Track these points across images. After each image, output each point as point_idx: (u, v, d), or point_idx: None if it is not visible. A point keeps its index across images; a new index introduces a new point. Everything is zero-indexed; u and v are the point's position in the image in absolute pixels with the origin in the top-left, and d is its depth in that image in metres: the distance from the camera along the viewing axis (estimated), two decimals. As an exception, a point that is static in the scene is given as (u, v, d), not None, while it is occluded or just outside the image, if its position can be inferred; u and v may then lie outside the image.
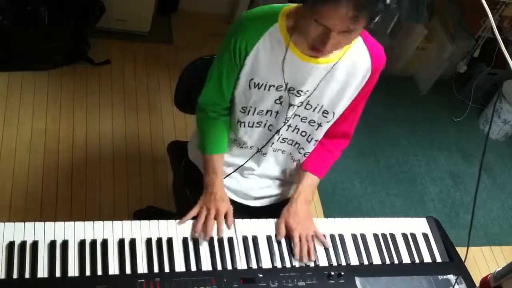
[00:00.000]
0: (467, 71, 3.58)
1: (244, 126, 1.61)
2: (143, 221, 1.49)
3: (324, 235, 1.59)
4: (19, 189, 2.41)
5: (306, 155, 1.69)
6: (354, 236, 1.63)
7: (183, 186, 1.88)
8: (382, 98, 3.50)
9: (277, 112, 1.56)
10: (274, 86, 1.49)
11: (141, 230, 1.47)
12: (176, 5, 3.40)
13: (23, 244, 1.36)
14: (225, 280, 1.42)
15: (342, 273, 1.51)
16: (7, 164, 2.48)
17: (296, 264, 1.52)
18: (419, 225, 1.73)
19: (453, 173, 3.27)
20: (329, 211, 2.76)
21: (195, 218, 1.54)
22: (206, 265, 1.45)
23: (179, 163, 1.92)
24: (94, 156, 2.62)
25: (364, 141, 3.24)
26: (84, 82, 2.91)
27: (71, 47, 2.88)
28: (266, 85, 1.49)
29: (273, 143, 1.64)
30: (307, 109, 1.55)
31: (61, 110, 2.75)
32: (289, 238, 1.57)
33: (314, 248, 1.56)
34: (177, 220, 1.52)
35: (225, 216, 1.56)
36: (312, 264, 1.53)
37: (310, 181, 1.67)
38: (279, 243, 1.55)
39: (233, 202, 1.74)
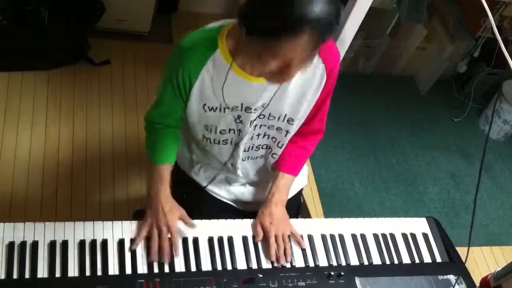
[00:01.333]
0: (467, 71, 3.58)
1: (211, 143, 1.57)
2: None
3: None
4: (19, 189, 2.41)
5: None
6: (354, 236, 1.63)
7: (179, 191, 1.87)
8: (382, 98, 3.50)
9: (239, 130, 1.52)
10: (229, 108, 1.45)
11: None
12: (176, 5, 3.40)
13: (23, 244, 1.36)
14: (225, 280, 1.42)
15: (342, 273, 1.51)
16: (7, 164, 2.48)
17: (296, 264, 1.52)
18: (419, 225, 1.73)
19: (453, 173, 3.27)
20: (329, 211, 2.76)
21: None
22: (206, 265, 1.45)
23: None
24: (94, 156, 2.62)
25: (364, 141, 3.24)
26: (84, 82, 2.91)
27: (71, 47, 2.88)
28: (220, 107, 1.45)
29: (240, 155, 1.60)
30: (271, 120, 1.52)
31: (61, 110, 2.75)
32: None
33: (291, 248, 1.54)
34: (129, 246, 1.43)
35: (183, 221, 1.52)
36: (312, 264, 1.53)
37: (284, 181, 1.64)
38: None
39: (227, 205, 1.73)
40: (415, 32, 3.42)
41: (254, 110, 1.46)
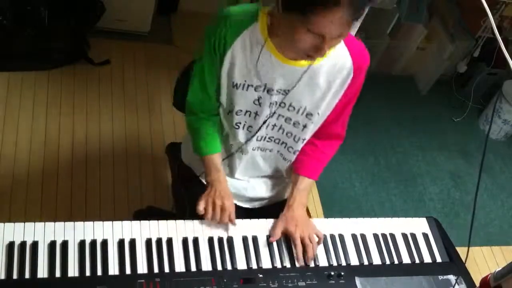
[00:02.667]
0: (467, 71, 3.58)
1: (229, 125, 1.59)
2: (143, 221, 1.49)
3: (325, 235, 1.59)
4: (19, 189, 2.41)
5: (296, 153, 1.66)
6: (354, 236, 1.63)
7: (180, 186, 1.88)
8: (382, 98, 3.50)
9: (256, 113, 1.54)
10: (252, 86, 1.48)
11: (141, 230, 1.47)
12: (176, 5, 3.40)
13: (23, 244, 1.36)
14: (225, 280, 1.42)
15: (342, 273, 1.51)
16: (7, 164, 2.48)
17: (296, 264, 1.52)
18: (419, 225, 1.73)
19: (453, 173, 3.27)
20: (329, 211, 2.76)
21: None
22: (206, 265, 1.45)
23: (176, 164, 1.92)
24: (94, 156, 2.62)
25: (364, 141, 3.24)
26: (84, 82, 2.91)
27: (71, 47, 2.88)
28: (244, 84, 1.48)
29: (252, 143, 1.62)
30: (290, 111, 1.53)
31: (61, 110, 2.75)
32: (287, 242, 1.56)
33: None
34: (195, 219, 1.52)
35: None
36: (312, 264, 1.53)
37: (304, 184, 1.64)
38: (279, 243, 1.55)
39: None
40: (415, 32, 3.42)
41: (276, 91, 1.47)
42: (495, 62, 3.44)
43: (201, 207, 1.53)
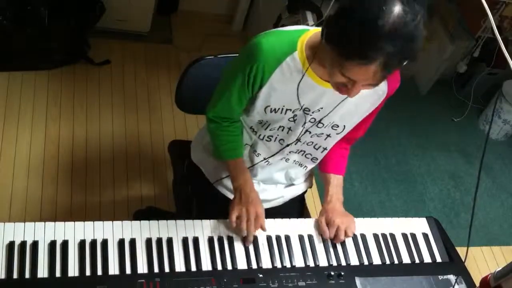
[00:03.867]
0: (467, 71, 3.58)
1: (258, 137, 1.61)
2: (143, 221, 1.49)
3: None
4: (19, 189, 2.41)
5: (314, 160, 1.70)
6: (354, 236, 1.63)
7: (183, 186, 1.88)
8: (382, 98, 3.49)
9: (289, 128, 1.56)
10: (290, 110, 1.49)
11: (141, 230, 1.47)
12: (176, 5, 3.40)
13: (23, 244, 1.36)
14: (225, 280, 1.42)
15: (342, 273, 1.51)
16: (7, 164, 2.48)
17: (296, 264, 1.52)
18: (419, 225, 1.73)
19: (453, 173, 3.27)
20: (329, 211, 2.76)
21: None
22: (206, 265, 1.45)
23: (180, 163, 1.92)
24: (94, 156, 2.62)
25: (364, 141, 3.22)
26: (84, 82, 2.91)
27: (71, 47, 2.88)
28: (282, 109, 1.49)
29: (281, 155, 1.65)
30: (319, 127, 1.56)
31: (61, 110, 2.75)
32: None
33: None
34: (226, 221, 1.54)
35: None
36: (312, 264, 1.53)
37: (337, 181, 1.72)
38: (278, 243, 1.55)
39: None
40: (415, 32, 3.42)
41: (312, 112, 1.49)
42: (495, 62, 3.44)
43: (233, 217, 1.52)
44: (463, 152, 3.41)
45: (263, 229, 1.55)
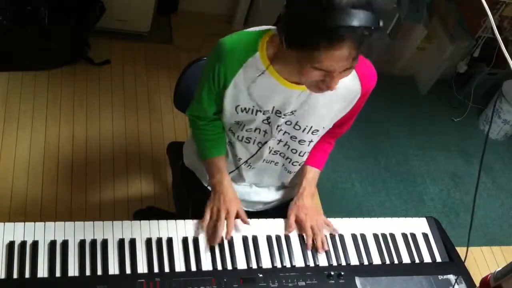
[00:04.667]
0: (467, 71, 3.58)
1: (237, 138, 1.60)
2: (143, 221, 1.49)
3: (325, 235, 1.60)
4: (19, 189, 2.41)
5: (301, 165, 1.68)
6: (354, 236, 1.63)
7: (182, 187, 1.88)
8: (382, 98, 3.49)
9: (265, 131, 1.55)
10: (260, 111, 1.48)
11: (141, 230, 1.47)
12: (176, 5, 3.40)
13: (23, 244, 1.36)
14: (225, 280, 1.42)
15: (342, 273, 1.51)
16: (7, 164, 2.48)
17: (296, 264, 1.52)
18: (419, 225, 1.73)
19: (453, 173, 3.27)
20: (329, 211, 2.76)
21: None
22: (206, 265, 1.45)
23: (177, 165, 1.92)
24: (94, 156, 2.62)
25: (364, 141, 3.24)
26: (84, 82, 2.91)
27: (71, 47, 2.88)
28: (253, 110, 1.48)
29: (261, 158, 1.63)
30: (296, 130, 1.54)
31: (61, 110, 2.75)
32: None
33: (326, 237, 1.58)
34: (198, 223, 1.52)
35: (237, 216, 1.56)
36: (312, 264, 1.53)
37: (312, 174, 1.68)
38: (278, 243, 1.55)
39: None
40: (415, 32, 3.42)
41: (284, 115, 1.48)
42: (495, 62, 3.44)
43: (206, 216, 1.53)
44: (463, 152, 3.41)
45: (245, 222, 1.55)
